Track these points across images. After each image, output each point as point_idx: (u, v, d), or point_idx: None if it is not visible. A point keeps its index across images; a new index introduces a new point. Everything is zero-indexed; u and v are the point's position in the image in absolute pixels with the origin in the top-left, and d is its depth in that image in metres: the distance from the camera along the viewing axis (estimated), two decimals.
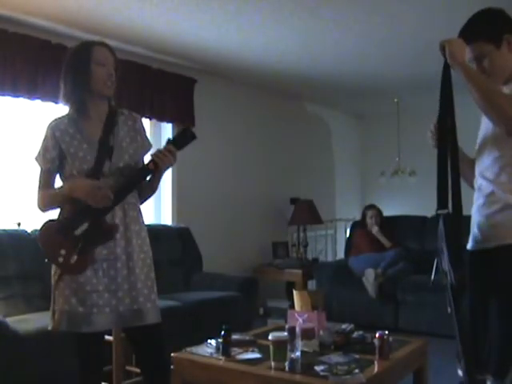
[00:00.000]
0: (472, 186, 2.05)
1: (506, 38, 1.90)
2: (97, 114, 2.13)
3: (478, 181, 2.00)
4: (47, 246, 2.03)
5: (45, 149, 2.10)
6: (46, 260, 2.05)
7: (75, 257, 1.97)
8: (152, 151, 2.30)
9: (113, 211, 2.04)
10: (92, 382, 2.16)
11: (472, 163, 2.05)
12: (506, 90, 1.93)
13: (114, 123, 2.13)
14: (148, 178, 2.13)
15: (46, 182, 2.13)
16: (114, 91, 2.14)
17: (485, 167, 1.96)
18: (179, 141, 2.05)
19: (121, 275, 2.03)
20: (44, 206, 2.11)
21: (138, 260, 2.08)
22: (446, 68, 1.92)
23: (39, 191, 2.12)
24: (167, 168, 2.07)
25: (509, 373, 1.78)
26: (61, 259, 1.98)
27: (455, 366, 1.97)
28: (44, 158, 2.10)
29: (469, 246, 2.02)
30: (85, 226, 1.99)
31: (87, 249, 1.99)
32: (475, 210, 1.99)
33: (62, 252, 1.98)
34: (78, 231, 1.99)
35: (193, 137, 2.05)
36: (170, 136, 4.82)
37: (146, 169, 2.06)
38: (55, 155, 2.08)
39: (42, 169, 2.13)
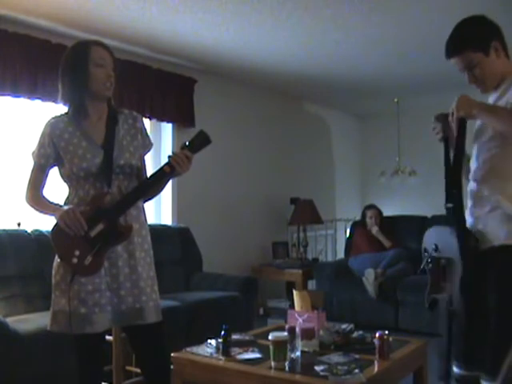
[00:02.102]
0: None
1: (494, 45, 1.95)
2: (96, 113, 2.12)
3: (469, 182, 2.03)
4: (61, 246, 2.00)
5: (41, 145, 2.10)
6: (59, 260, 2.03)
7: (90, 258, 1.96)
8: (151, 150, 2.31)
9: None
10: (92, 383, 2.16)
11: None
12: (495, 94, 1.98)
13: (115, 122, 2.13)
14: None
15: (36, 179, 2.11)
16: (113, 91, 2.13)
17: (474, 169, 1.99)
18: (195, 145, 2.04)
19: (123, 273, 2.03)
20: (32, 206, 2.11)
21: (139, 258, 2.07)
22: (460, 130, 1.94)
23: (29, 188, 2.11)
24: (183, 173, 2.05)
25: (501, 370, 1.79)
26: (75, 260, 1.96)
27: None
28: (39, 153, 2.10)
29: None
30: (100, 227, 1.98)
31: (102, 250, 1.99)
32: (467, 211, 2.03)
33: (76, 253, 1.96)
34: (93, 232, 1.98)
35: (208, 141, 2.04)
36: (170, 135, 4.96)
37: (162, 172, 2.04)
38: (50, 152, 2.07)
39: (35, 163, 2.12)
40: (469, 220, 2.00)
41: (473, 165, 2.02)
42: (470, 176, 2.03)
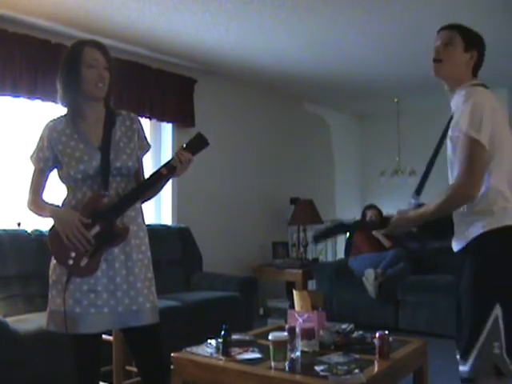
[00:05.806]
0: None
1: (473, 53, 2.02)
2: (93, 114, 2.12)
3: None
4: (57, 248, 2.01)
5: (39, 148, 2.10)
6: (55, 261, 2.04)
7: (86, 260, 1.97)
8: (152, 151, 2.30)
9: None
10: (88, 383, 2.15)
11: None
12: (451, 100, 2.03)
13: (112, 124, 2.13)
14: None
15: (37, 183, 2.12)
16: (109, 91, 2.12)
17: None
18: (193, 147, 2.04)
19: (119, 275, 2.02)
20: (32, 210, 2.12)
21: (136, 260, 2.07)
22: None
23: (30, 192, 2.12)
24: (181, 174, 2.07)
25: (470, 356, 1.86)
26: (71, 262, 1.97)
27: (455, 366, 1.98)
28: (37, 157, 2.10)
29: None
30: (96, 229, 1.98)
31: (99, 252, 1.99)
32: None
33: (72, 255, 1.97)
34: (89, 234, 1.98)
35: (206, 143, 2.05)
36: (170, 135, 4.97)
37: (159, 174, 2.04)
38: (49, 155, 2.08)
39: (35, 168, 2.12)
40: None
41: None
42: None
